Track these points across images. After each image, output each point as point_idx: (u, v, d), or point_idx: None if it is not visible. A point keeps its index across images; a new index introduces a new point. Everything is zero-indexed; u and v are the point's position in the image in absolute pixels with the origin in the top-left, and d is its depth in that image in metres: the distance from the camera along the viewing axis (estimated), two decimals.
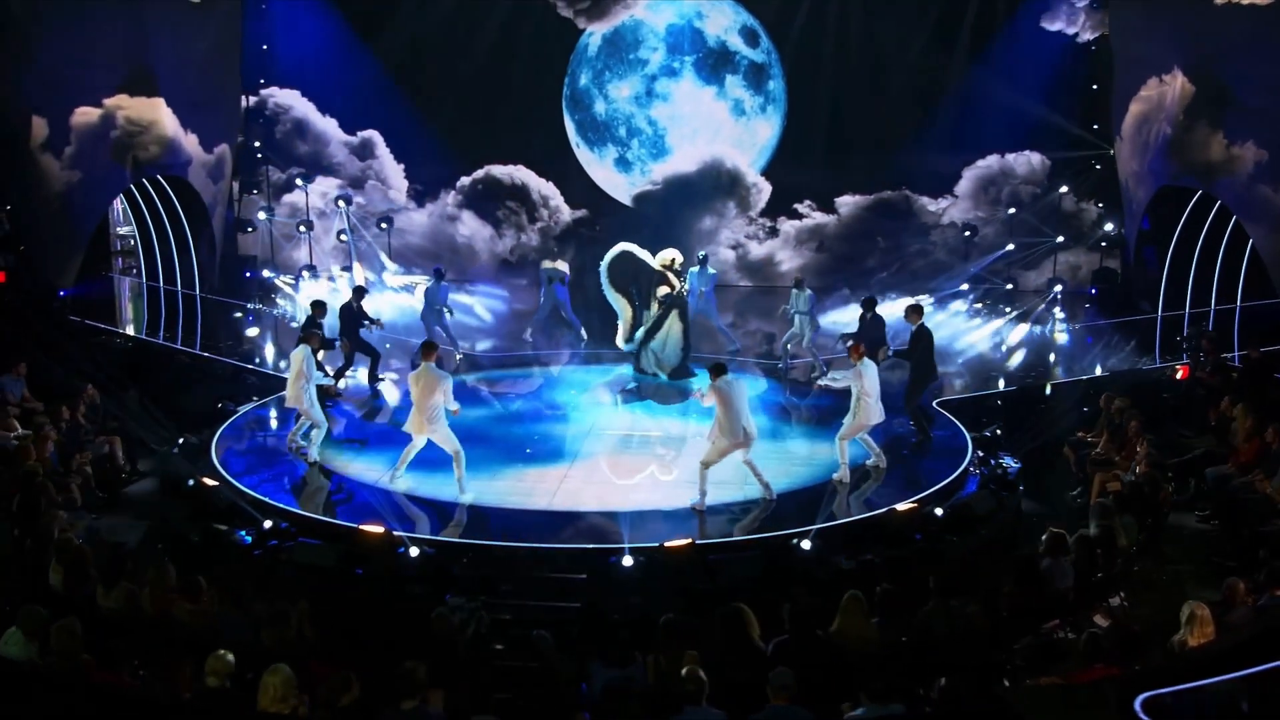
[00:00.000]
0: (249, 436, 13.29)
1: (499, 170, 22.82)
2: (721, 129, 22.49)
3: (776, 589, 8.66)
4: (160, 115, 18.10)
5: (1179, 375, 14.68)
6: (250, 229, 22.25)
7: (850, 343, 12.34)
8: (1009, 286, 20.92)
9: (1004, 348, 17.92)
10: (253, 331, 18.80)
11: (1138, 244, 19.24)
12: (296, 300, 20.15)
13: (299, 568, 9.81)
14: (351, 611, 8.72)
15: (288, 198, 22.50)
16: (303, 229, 22.01)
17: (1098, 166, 20.74)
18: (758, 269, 22.47)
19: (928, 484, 11.47)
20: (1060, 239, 21.00)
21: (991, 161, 21.60)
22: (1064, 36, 20.71)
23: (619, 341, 15.59)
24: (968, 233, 21.37)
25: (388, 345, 16.52)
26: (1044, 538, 8.95)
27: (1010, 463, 12.25)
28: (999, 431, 13.27)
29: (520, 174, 22.89)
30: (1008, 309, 19.78)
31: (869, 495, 11.38)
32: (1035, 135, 21.01)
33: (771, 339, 17.85)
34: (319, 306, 14.02)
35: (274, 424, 13.76)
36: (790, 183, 22.28)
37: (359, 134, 22.72)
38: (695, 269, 16.67)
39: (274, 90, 22.19)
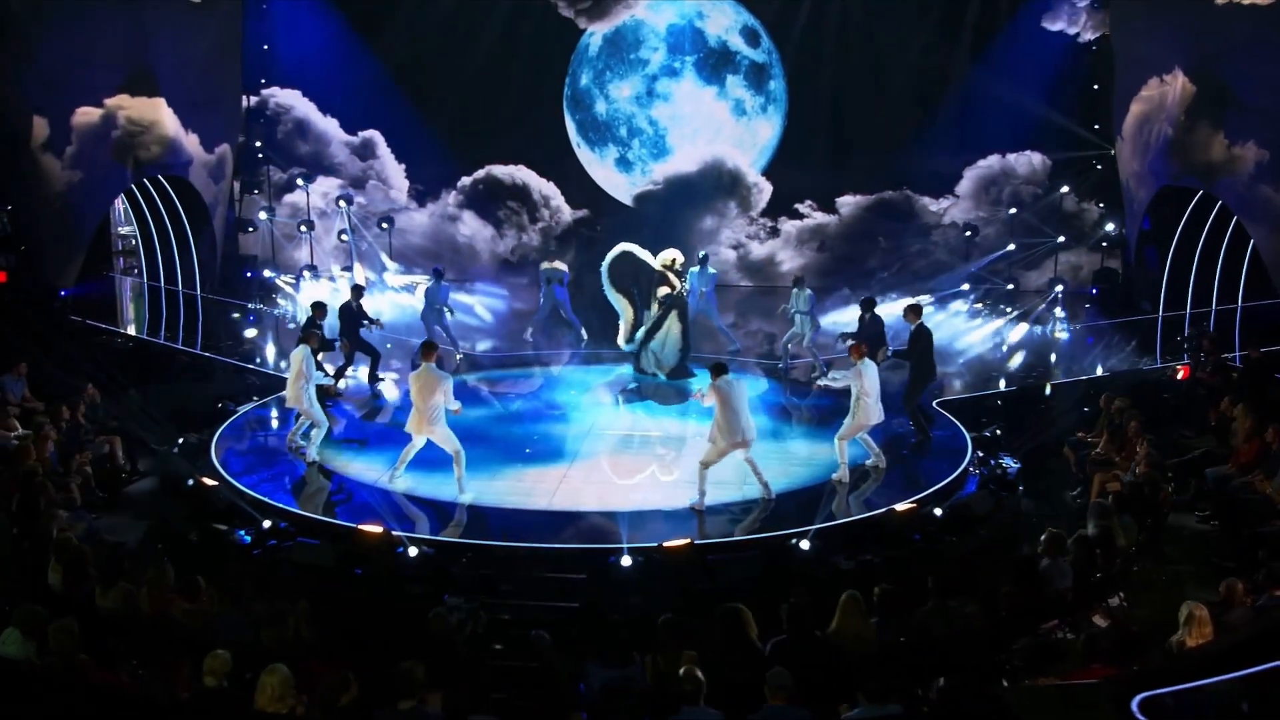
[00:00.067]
0: (249, 436, 13.30)
1: (500, 170, 22.83)
2: (722, 129, 22.49)
3: (776, 589, 8.66)
4: (161, 115, 18.11)
5: (1180, 375, 14.66)
6: (251, 229, 22.26)
7: (851, 342, 12.33)
8: (1010, 287, 20.91)
9: (1004, 348, 17.91)
10: (251, 332, 18.79)
11: (1139, 244, 19.22)
12: (297, 300, 20.16)
13: (298, 567, 9.81)
14: (350, 611, 8.71)
15: (289, 198, 22.52)
16: (304, 229, 22.03)
17: (1099, 166, 20.73)
18: (759, 269, 22.46)
19: (927, 484, 11.46)
20: (1061, 239, 20.99)
21: (992, 161, 21.60)
22: (1065, 36, 20.71)
23: (620, 342, 15.60)
24: (969, 233, 21.36)
25: (389, 345, 16.53)
26: (1043, 538, 8.93)
27: (1010, 463, 12.24)
28: (999, 432, 13.26)
29: (521, 174, 22.90)
30: (1008, 309, 19.77)
31: (868, 495, 11.37)
32: (1036, 135, 21.02)
33: (772, 339, 17.83)
34: (319, 308, 14.06)
35: (274, 424, 13.77)
36: (791, 183, 22.27)
37: (360, 134, 22.74)
38: (695, 269, 16.67)
39: (275, 90, 22.21)
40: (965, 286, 20.51)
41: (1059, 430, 13.06)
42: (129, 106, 17.43)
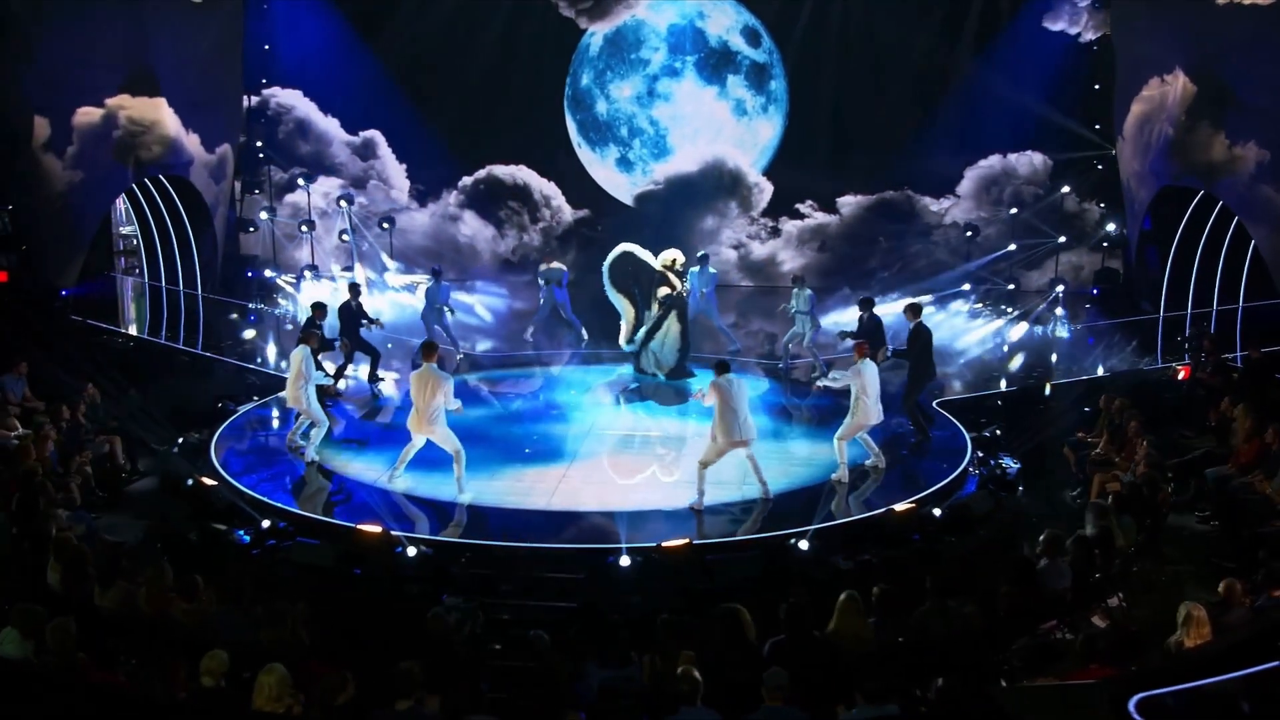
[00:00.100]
0: (249, 436, 13.31)
1: (501, 170, 22.83)
2: (723, 129, 22.49)
3: (775, 589, 8.65)
4: (162, 115, 18.12)
5: (1180, 376, 14.64)
6: (252, 229, 22.26)
7: (851, 340, 12.32)
8: (1011, 287, 20.90)
9: (1005, 348, 17.90)
10: (249, 333, 18.76)
11: (1139, 244, 19.20)
12: (298, 300, 20.17)
13: (297, 567, 9.81)
14: (348, 611, 8.72)
15: (290, 198, 22.52)
16: (305, 229, 22.03)
17: (1100, 167, 20.71)
18: (760, 269, 22.45)
19: (927, 484, 11.46)
20: (1062, 239, 20.96)
21: (994, 161, 21.59)
22: (1066, 36, 20.69)
23: (622, 342, 15.60)
24: (970, 233, 21.34)
25: (389, 345, 16.54)
26: (1041, 538, 8.92)
27: (1010, 463, 12.23)
28: (998, 432, 13.25)
29: (522, 174, 22.91)
30: (1009, 309, 19.76)
31: (868, 495, 11.37)
32: (1037, 135, 21.01)
33: (773, 339, 17.83)
34: (319, 308, 14.09)
35: (275, 424, 13.78)
36: (792, 183, 22.26)
37: (361, 134, 22.74)
38: (695, 269, 16.67)
39: (276, 90, 22.21)
40: (966, 286, 20.50)
41: (1059, 430, 13.05)
42: (130, 106, 17.43)
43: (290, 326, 18.36)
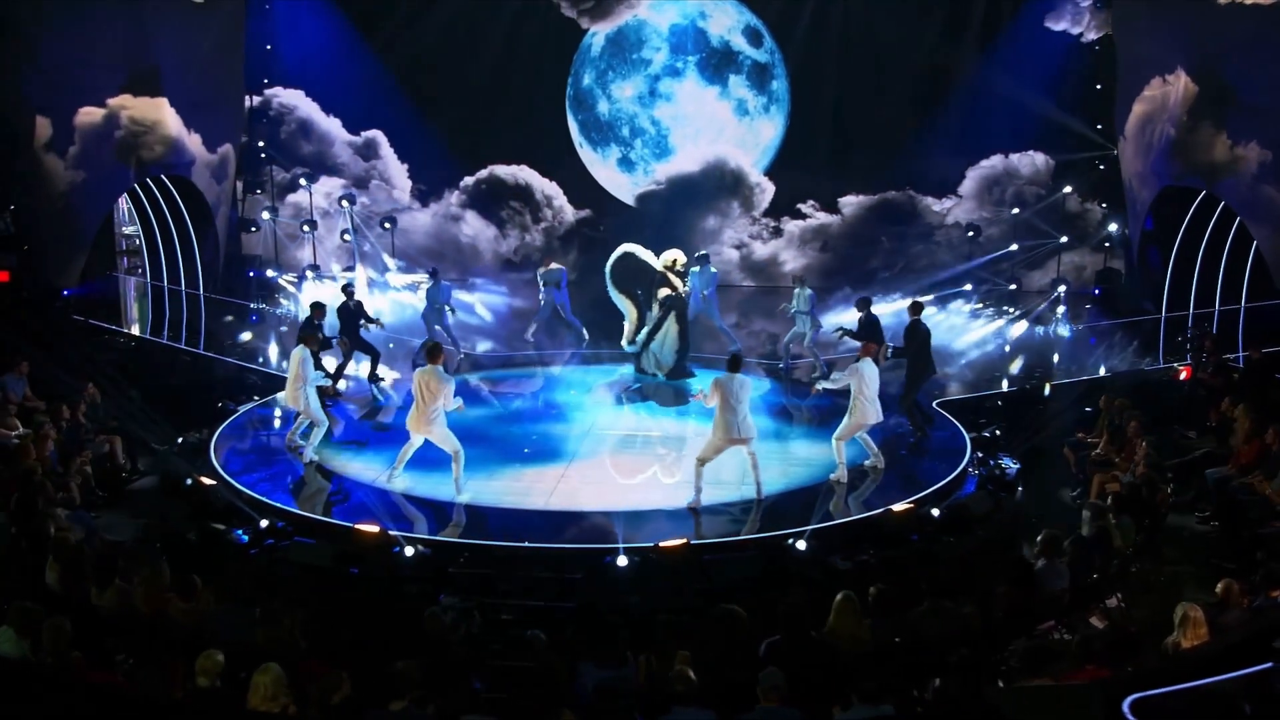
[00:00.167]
0: (249, 435, 13.32)
1: (502, 170, 22.85)
2: (725, 129, 22.49)
3: (773, 589, 8.64)
4: (164, 115, 18.15)
5: (1181, 376, 14.62)
6: (254, 229, 22.29)
7: (847, 337, 12.30)
8: (1012, 287, 20.88)
9: (1006, 348, 17.88)
10: (246, 335, 18.74)
11: (1141, 244, 19.16)
12: (299, 300, 20.18)
13: (294, 567, 9.81)
14: (346, 611, 8.72)
15: (291, 198, 22.55)
16: (306, 229, 22.05)
17: (1101, 167, 20.68)
18: (761, 269, 22.45)
19: (926, 484, 11.44)
20: (1064, 239, 20.94)
21: (995, 162, 21.57)
22: (1068, 36, 20.68)
23: (624, 342, 15.61)
24: (971, 233, 21.32)
25: (390, 345, 16.55)
26: (1039, 539, 8.91)
27: (1009, 463, 12.21)
28: (998, 432, 13.23)
29: (524, 174, 22.93)
30: (1011, 309, 19.74)
31: (867, 496, 11.35)
32: (1039, 135, 20.98)
33: (774, 339, 17.82)
34: (318, 309, 14.11)
35: (276, 423, 13.79)
36: (794, 183, 22.28)
37: (363, 134, 22.79)
38: (696, 269, 16.65)
39: (278, 90, 22.25)
40: (967, 286, 20.48)
41: (1059, 430, 13.03)
42: (131, 106, 17.47)
43: (284, 329, 18.35)
